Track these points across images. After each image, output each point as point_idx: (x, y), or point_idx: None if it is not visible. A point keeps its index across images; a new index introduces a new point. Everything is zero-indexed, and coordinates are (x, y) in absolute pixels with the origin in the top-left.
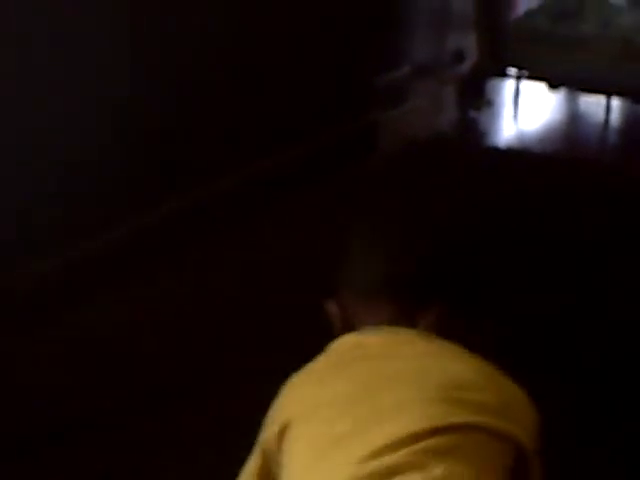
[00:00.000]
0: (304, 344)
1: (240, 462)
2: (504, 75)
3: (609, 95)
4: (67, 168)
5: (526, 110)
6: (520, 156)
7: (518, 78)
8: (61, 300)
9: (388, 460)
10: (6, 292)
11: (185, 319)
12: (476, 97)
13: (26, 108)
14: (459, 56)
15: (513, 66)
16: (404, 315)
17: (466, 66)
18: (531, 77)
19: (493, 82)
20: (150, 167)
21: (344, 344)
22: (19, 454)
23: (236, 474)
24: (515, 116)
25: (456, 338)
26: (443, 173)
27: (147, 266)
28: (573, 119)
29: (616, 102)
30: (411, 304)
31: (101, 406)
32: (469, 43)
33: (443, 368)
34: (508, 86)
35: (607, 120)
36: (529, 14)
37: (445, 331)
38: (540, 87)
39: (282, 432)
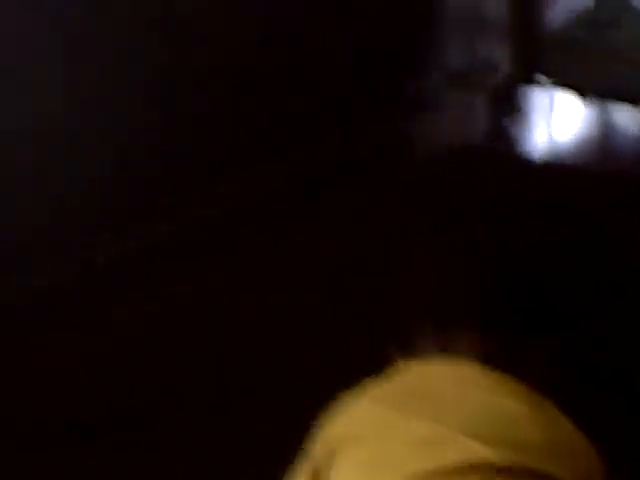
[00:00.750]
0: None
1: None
2: (537, 84)
3: None
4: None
5: (559, 120)
6: (551, 166)
7: (551, 88)
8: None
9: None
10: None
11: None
12: (509, 106)
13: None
14: (492, 64)
15: (547, 75)
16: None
17: (499, 75)
18: (565, 87)
19: (526, 91)
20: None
21: (413, 373)
22: (36, 452)
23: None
24: (548, 126)
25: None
26: (469, 184)
27: (170, 275)
28: (606, 130)
29: None
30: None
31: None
32: (502, 51)
33: (497, 405)
34: (541, 96)
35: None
36: (563, 23)
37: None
38: (573, 97)
39: (334, 450)
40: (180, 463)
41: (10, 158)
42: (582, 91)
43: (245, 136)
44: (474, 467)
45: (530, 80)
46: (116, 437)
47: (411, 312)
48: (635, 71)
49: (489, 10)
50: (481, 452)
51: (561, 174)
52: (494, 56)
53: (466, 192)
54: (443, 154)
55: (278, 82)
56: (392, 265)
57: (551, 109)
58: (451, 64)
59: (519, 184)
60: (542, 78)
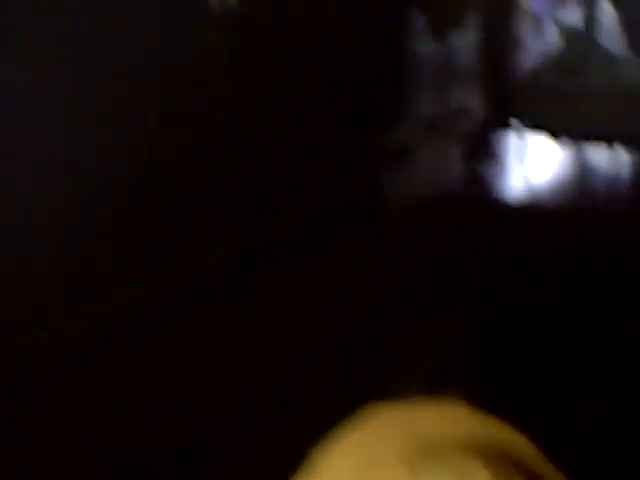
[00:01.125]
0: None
1: None
2: (510, 128)
3: (614, 145)
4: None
5: (533, 163)
6: (527, 210)
7: (524, 131)
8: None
9: None
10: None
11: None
12: (482, 151)
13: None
14: (465, 112)
15: (519, 119)
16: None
17: (472, 121)
18: (537, 130)
19: (499, 136)
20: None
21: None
22: None
23: None
24: (522, 169)
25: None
26: (447, 232)
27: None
28: (580, 171)
29: (621, 152)
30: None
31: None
32: (474, 98)
33: None
34: (514, 139)
35: (614, 170)
36: (534, 68)
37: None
38: (546, 140)
39: None
40: None
41: None
42: (555, 133)
43: (214, 204)
44: None
45: (503, 125)
46: None
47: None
48: (605, 112)
49: (460, 58)
50: None
51: (538, 217)
52: (466, 103)
53: (440, 240)
54: (416, 204)
55: (247, 145)
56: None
57: (525, 152)
58: (424, 112)
59: (495, 229)
60: (515, 122)
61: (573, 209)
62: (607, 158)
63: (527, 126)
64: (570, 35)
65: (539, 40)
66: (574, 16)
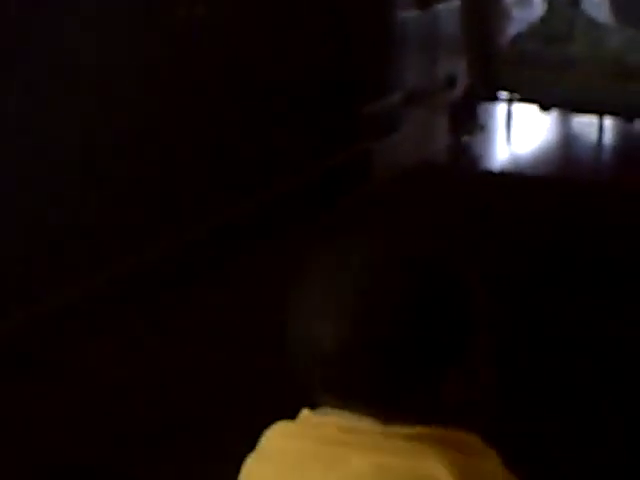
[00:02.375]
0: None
1: None
2: (496, 99)
3: (601, 115)
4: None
5: (519, 133)
6: (514, 179)
7: (510, 101)
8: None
9: None
10: None
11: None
12: (468, 122)
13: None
14: (450, 82)
15: (504, 90)
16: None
17: (457, 91)
18: (523, 100)
19: (485, 106)
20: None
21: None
22: None
23: None
24: (508, 139)
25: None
26: (434, 202)
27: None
28: (566, 140)
29: (608, 121)
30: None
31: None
32: (460, 68)
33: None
34: (500, 110)
35: (600, 140)
36: (519, 38)
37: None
38: (532, 110)
39: None
40: None
41: None
42: (539, 102)
43: (199, 176)
44: None
45: (488, 94)
46: None
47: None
48: (591, 81)
49: (446, 29)
50: None
51: (523, 185)
52: (452, 73)
53: (426, 210)
54: (402, 174)
55: (232, 116)
56: None
57: (510, 121)
58: (409, 82)
59: (481, 198)
60: (500, 91)
61: (558, 178)
62: (591, 126)
63: (512, 95)
64: (554, 3)
65: (524, 9)
66: None
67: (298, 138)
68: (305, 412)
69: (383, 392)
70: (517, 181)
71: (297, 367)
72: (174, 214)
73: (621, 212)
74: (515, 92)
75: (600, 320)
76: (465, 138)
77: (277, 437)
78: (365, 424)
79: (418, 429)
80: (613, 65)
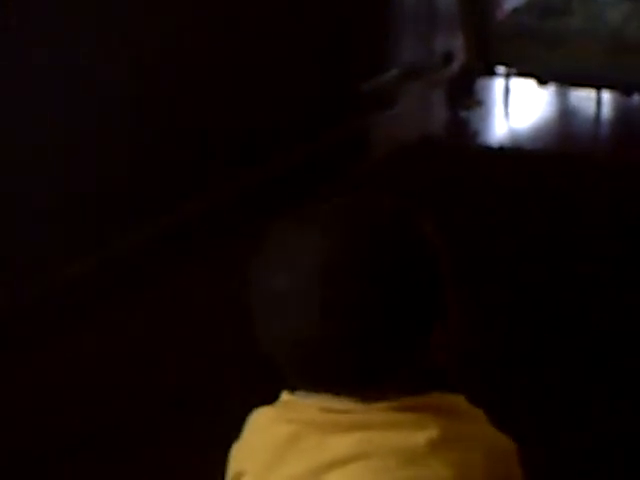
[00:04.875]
0: None
1: None
2: (493, 74)
3: (599, 89)
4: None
5: (517, 108)
6: (512, 154)
7: (507, 76)
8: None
9: None
10: None
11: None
12: (466, 97)
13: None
14: (447, 57)
15: (501, 64)
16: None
17: (455, 67)
18: (520, 74)
19: (482, 81)
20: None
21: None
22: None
23: None
24: (506, 114)
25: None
26: (433, 176)
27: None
28: (564, 115)
29: (607, 95)
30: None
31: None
32: (457, 44)
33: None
34: (497, 85)
35: (598, 114)
36: (515, 11)
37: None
38: (530, 84)
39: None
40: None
41: None
42: (538, 77)
43: (197, 147)
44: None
45: (485, 70)
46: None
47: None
48: (589, 54)
49: (443, 4)
50: None
51: (520, 158)
52: (449, 49)
53: (424, 186)
54: (399, 150)
55: (228, 91)
56: None
57: (508, 96)
58: (407, 59)
59: (479, 173)
60: (497, 67)
61: (557, 152)
62: (589, 100)
63: (509, 70)
64: None
65: None
66: None
67: (295, 115)
68: (285, 396)
69: (365, 372)
70: (516, 155)
71: (269, 352)
72: (174, 188)
73: (620, 185)
74: (512, 67)
75: (599, 292)
76: (463, 113)
77: (260, 423)
78: (346, 404)
79: (399, 401)
80: (611, 39)
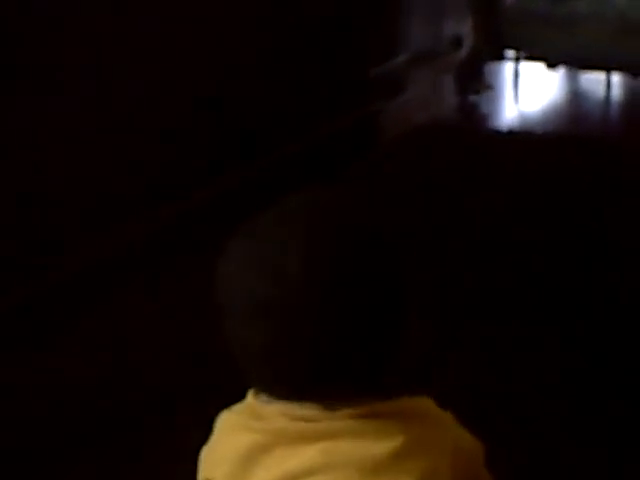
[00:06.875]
0: None
1: None
2: (502, 58)
3: (608, 71)
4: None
5: (526, 91)
6: (522, 137)
7: (516, 60)
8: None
9: None
10: None
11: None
12: (475, 81)
13: None
14: (457, 41)
15: (510, 48)
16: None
17: (464, 51)
18: (529, 58)
19: (492, 65)
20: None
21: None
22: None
23: None
24: (515, 98)
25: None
26: (443, 160)
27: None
28: (574, 97)
29: (616, 77)
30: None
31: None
32: (466, 28)
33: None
34: (507, 68)
35: (608, 96)
36: None
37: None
38: (539, 67)
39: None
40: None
41: None
42: (547, 60)
43: (213, 136)
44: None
45: (494, 54)
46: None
47: None
48: (597, 37)
49: None
50: None
51: (530, 141)
52: (459, 33)
53: (434, 170)
54: (409, 135)
55: (238, 78)
56: None
57: (518, 80)
58: (416, 44)
59: (490, 157)
60: (506, 51)
61: (567, 135)
62: (599, 83)
63: (518, 53)
64: None
65: None
66: None
67: (306, 101)
68: (250, 398)
69: (319, 377)
70: (525, 138)
71: (236, 356)
72: (183, 176)
73: (632, 167)
74: (521, 50)
75: (614, 275)
76: (473, 97)
77: (224, 429)
78: (309, 410)
79: (363, 408)
80: (619, 21)
